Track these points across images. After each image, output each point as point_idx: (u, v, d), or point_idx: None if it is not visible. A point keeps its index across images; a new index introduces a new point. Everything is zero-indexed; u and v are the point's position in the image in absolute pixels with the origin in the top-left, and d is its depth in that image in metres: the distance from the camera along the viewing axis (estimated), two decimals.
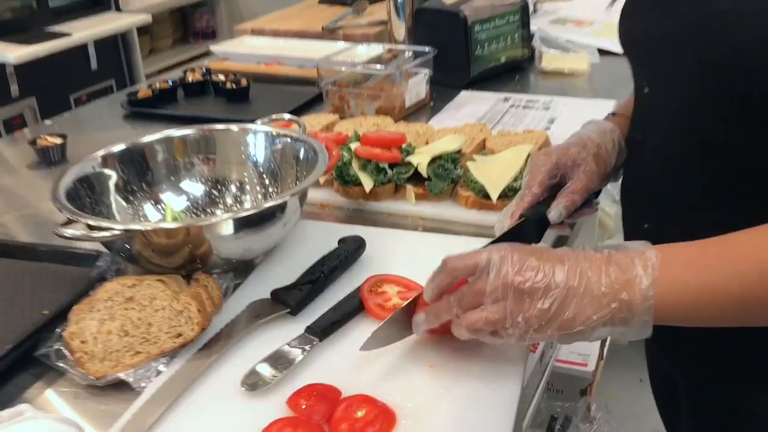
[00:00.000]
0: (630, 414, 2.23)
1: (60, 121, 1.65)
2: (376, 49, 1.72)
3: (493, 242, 0.78)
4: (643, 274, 0.63)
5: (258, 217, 0.88)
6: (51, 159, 1.39)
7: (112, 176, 1.02)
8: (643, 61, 0.82)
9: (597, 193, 0.95)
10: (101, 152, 1.02)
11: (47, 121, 1.66)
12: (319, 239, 1.01)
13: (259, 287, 0.91)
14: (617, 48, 1.92)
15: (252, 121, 1.45)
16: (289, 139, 1.06)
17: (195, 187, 1.08)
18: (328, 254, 0.93)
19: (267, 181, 1.07)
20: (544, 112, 1.52)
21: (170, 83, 1.74)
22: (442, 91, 1.67)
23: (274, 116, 1.13)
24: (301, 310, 0.85)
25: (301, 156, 1.04)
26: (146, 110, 1.64)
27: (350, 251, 0.93)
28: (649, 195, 0.81)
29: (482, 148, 1.31)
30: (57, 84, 2.97)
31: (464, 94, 1.66)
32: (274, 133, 1.08)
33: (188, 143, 1.08)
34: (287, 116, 1.14)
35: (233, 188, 1.08)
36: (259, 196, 1.07)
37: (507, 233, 0.84)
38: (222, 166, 1.09)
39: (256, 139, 1.08)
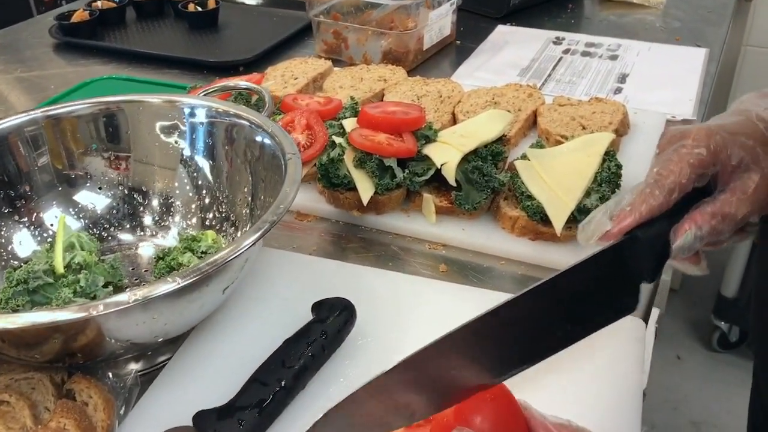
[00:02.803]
0: (665, 400, 1.93)
1: None
2: None
3: (574, 269, 0.47)
4: None
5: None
6: None
7: None
8: None
9: None
10: None
11: None
12: (285, 285, 0.66)
13: (182, 388, 0.57)
14: None
15: (218, 65, 1.09)
16: (246, 124, 0.68)
17: (96, 199, 0.70)
18: (293, 340, 0.57)
19: (205, 195, 0.69)
20: (611, 63, 1.12)
21: (117, 1, 1.34)
22: (472, 23, 1.27)
23: (225, 82, 0.75)
24: None
25: (264, 152, 0.66)
26: (81, 41, 1.25)
27: (330, 334, 0.57)
28: None
29: (532, 125, 0.93)
30: None
31: (502, 30, 1.25)
32: (220, 111, 0.70)
33: (82, 128, 0.70)
34: (245, 83, 0.76)
35: (155, 201, 0.71)
36: (194, 219, 0.70)
37: (598, 257, 0.49)
38: (138, 167, 0.71)
39: (192, 121, 0.70)
